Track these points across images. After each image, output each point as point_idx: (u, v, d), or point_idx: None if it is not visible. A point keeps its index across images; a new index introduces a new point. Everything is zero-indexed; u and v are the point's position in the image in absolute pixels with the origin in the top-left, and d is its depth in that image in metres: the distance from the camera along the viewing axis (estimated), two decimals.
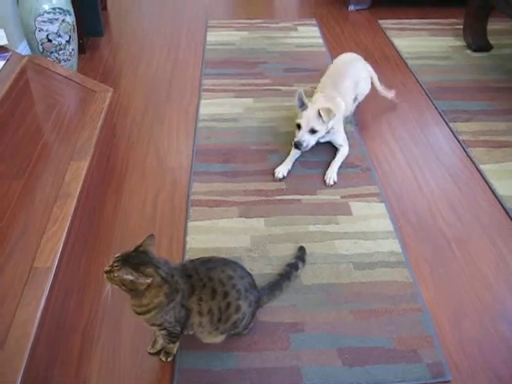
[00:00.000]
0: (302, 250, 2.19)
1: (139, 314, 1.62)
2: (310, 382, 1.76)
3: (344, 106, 2.76)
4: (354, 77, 2.92)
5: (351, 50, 3.81)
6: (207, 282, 1.67)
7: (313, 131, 2.53)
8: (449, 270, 2.19)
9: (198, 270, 1.70)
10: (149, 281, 1.52)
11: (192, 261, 1.77)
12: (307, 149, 2.56)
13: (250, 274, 1.82)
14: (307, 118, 2.52)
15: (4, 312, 1.66)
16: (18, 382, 1.47)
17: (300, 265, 2.10)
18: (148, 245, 1.59)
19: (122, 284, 1.53)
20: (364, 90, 3.04)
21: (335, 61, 3.10)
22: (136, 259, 1.54)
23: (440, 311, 2.01)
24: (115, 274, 1.50)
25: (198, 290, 1.66)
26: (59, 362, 1.81)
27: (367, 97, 3.06)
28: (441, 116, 3.17)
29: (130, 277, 1.50)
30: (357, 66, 3.02)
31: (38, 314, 1.66)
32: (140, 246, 1.58)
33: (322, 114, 2.46)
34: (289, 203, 2.49)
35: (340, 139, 2.75)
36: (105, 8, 4.58)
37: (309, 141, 2.54)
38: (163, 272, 1.58)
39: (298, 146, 2.53)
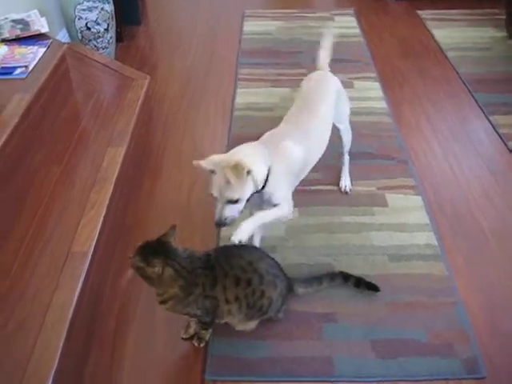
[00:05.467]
0: (370, 285, 2.01)
1: (159, 302, 1.67)
2: (342, 372, 1.75)
3: (300, 151, 1.94)
4: (330, 96, 2.19)
5: (389, 41, 3.78)
6: (229, 270, 1.70)
7: (232, 201, 1.74)
8: (485, 263, 2.15)
9: (219, 259, 1.72)
10: (155, 270, 1.56)
11: (215, 249, 1.81)
12: (234, 220, 1.79)
13: (269, 256, 1.82)
14: (218, 187, 1.74)
15: (43, 294, 1.70)
16: (56, 361, 1.51)
17: (350, 282, 2.00)
18: (170, 235, 1.62)
19: (136, 271, 1.58)
20: (345, 110, 2.37)
21: (301, 86, 2.26)
22: (151, 249, 1.58)
23: (476, 305, 1.97)
24: (131, 260, 1.57)
25: (221, 279, 1.68)
26: (95, 344, 1.84)
27: (404, 86, 3.00)
28: (480, 109, 3.11)
29: (140, 264, 1.56)
30: (328, 84, 2.24)
31: (75, 297, 1.70)
32: (163, 235, 1.62)
33: (229, 177, 1.69)
34: (324, 194, 2.48)
35: (278, 196, 1.89)
36: None
37: (232, 213, 1.76)
38: (178, 265, 1.60)
39: (219, 225, 1.78)
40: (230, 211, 1.75)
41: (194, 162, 1.78)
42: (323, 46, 2.42)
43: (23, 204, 2.03)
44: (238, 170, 1.69)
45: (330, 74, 2.31)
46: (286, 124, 2.05)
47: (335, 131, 2.28)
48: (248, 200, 1.79)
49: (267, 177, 1.81)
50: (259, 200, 1.89)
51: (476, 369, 1.76)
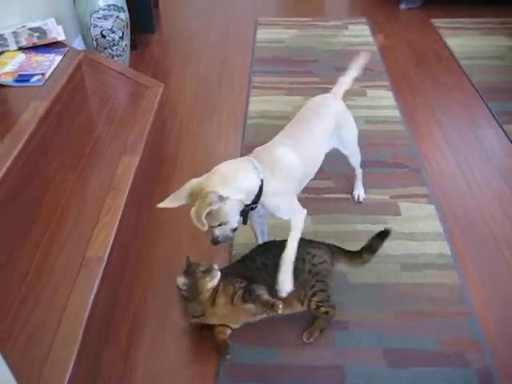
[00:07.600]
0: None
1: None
2: (354, 381, 1.75)
3: (295, 156, 1.88)
4: (328, 118, 2.12)
5: (402, 50, 3.78)
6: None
7: (217, 225, 1.73)
8: (499, 274, 2.14)
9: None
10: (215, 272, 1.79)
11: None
12: (230, 237, 1.83)
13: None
14: (196, 216, 1.67)
15: (58, 298, 1.72)
16: (71, 364, 1.52)
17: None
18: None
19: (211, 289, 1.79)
20: (351, 133, 2.28)
21: (301, 107, 2.21)
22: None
23: (489, 315, 1.97)
24: (205, 286, 1.78)
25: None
26: (109, 348, 1.86)
27: (417, 94, 3.00)
28: (494, 118, 3.10)
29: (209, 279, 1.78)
30: (332, 107, 2.17)
31: (90, 301, 1.71)
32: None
33: (192, 215, 1.66)
34: (337, 202, 2.49)
35: (284, 212, 1.86)
36: (157, 5, 4.66)
37: (223, 233, 1.75)
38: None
39: (215, 243, 1.78)
40: (220, 232, 1.75)
41: (159, 206, 1.77)
42: (348, 74, 2.32)
43: (39, 210, 2.05)
44: (198, 214, 1.63)
45: (335, 100, 2.21)
46: (278, 137, 2.00)
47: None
48: (247, 213, 1.82)
49: (261, 188, 1.75)
50: (262, 211, 1.90)
51: (490, 379, 1.75)
